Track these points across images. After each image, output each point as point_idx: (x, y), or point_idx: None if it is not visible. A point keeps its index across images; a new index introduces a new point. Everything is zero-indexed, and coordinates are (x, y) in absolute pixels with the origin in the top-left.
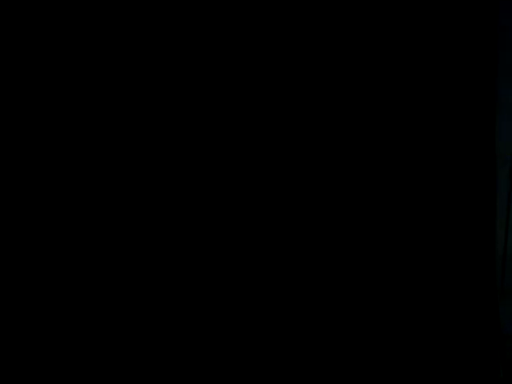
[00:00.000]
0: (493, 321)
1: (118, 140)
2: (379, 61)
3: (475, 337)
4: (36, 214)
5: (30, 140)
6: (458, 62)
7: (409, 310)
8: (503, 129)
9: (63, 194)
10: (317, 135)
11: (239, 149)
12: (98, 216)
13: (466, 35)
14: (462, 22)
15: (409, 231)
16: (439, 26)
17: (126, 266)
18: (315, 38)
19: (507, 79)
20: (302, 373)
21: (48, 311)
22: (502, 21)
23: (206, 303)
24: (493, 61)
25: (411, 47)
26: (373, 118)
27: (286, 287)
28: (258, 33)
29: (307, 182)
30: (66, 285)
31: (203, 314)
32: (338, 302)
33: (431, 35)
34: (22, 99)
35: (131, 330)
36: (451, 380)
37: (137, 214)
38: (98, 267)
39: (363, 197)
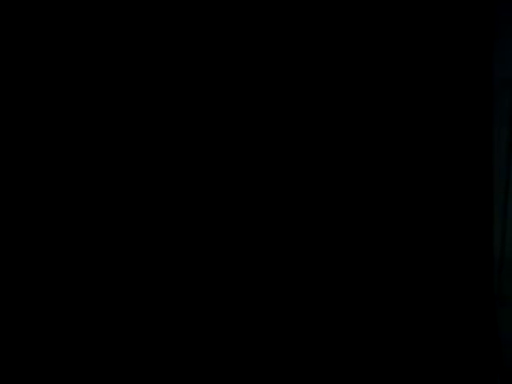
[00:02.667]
0: (490, 327)
1: (118, 140)
2: (376, 59)
3: (472, 343)
4: (36, 214)
5: (29, 140)
6: (455, 61)
7: (405, 314)
8: (500, 131)
9: (63, 193)
10: (315, 135)
11: (239, 149)
12: (98, 216)
13: (463, 36)
14: (458, 22)
15: (405, 234)
16: (436, 25)
17: (125, 265)
18: (314, 38)
19: (503, 80)
20: (302, 373)
21: (48, 311)
22: (499, 24)
23: (205, 303)
24: (488, 61)
25: (408, 46)
26: (370, 117)
27: (286, 287)
28: (257, 33)
29: (307, 182)
30: (65, 285)
31: (203, 315)
32: (335, 303)
33: (428, 34)
34: (21, 99)
35: (131, 330)
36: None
37: (137, 213)
38: (97, 267)
39: (361, 199)
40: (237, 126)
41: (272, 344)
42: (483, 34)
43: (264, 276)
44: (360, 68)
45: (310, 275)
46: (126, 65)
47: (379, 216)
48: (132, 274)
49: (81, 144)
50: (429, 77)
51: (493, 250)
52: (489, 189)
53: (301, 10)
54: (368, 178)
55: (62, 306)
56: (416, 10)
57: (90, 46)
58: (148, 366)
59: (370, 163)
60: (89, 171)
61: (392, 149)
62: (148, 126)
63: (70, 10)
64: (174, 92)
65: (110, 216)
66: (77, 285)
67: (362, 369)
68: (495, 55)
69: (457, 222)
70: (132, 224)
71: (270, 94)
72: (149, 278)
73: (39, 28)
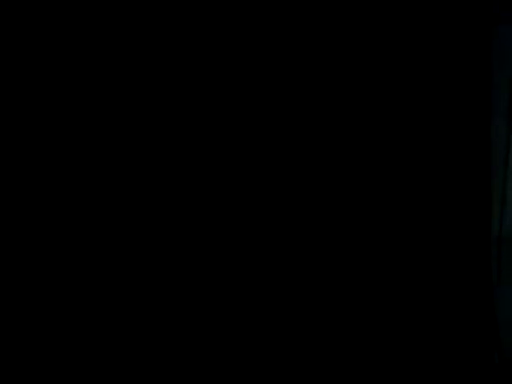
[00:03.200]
0: (488, 308)
1: (118, 140)
2: (376, 60)
3: (470, 324)
4: (36, 214)
5: (29, 140)
6: (453, 62)
7: (402, 297)
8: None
9: (63, 194)
10: (314, 135)
11: (239, 149)
12: (98, 216)
13: (462, 33)
14: (458, 19)
15: (403, 216)
16: (436, 21)
17: (125, 265)
18: (313, 38)
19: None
20: (302, 372)
21: (48, 311)
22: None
23: (205, 303)
24: (487, 61)
25: (407, 44)
26: (368, 114)
27: (286, 287)
28: (257, 33)
29: (306, 182)
30: (65, 284)
31: (203, 314)
32: (336, 296)
33: (426, 36)
34: (21, 99)
35: (131, 330)
36: (445, 365)
37: (137, 214)
38: (97, 267)
39: (359, 186)
40: (236, 127)
41: (271, 344)
42: (482, 31)
43: (263, 276)
44: (360, 64)
45: (311, 273)
46: (125, 65)
47: (378, 200)
48: (132, 273)
49: (80, 144)
50: (428, 73)
51: (491, 230)
52: (487, 167)
53: (300, 10)
54: (366, 167)
55: (62, 305)
56: (416, 7)
57: (90, 46)
58: (148, 366)
59: (369, 152)
60: (89, 171)
61: (392, 140)
62: (147, 127)
63: (70, 11)
64: (173, 93)
65: (110, 216)
66: (77, 284)
67: (360, 349)
68: (494, 54)
69: (455, 204)
70: (132, 224)
71: (270, 95)
72: (148, 278)
73: (39, 28)
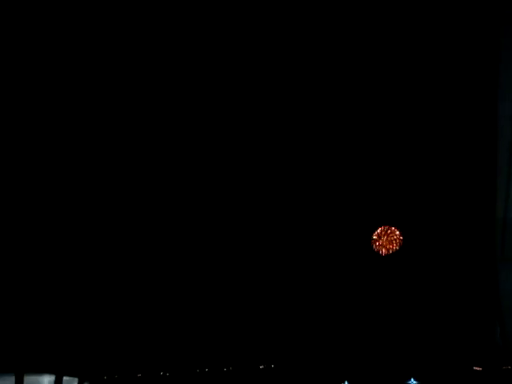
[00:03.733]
0: (491, 281)
1: (118, 140)
2: (384, 58)
3: (474, 296)
4: (36, 214)
5: (29, 140)
6: (460, 62)
7: (412, 270)
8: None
9: (63, 194)
10: (319, 135)
11: (239, 149)
12: (98, 216)
13: (468, 39)
14: (464, 35)
15: (414, 193)
16: (444, 32)
17: (125, 264)
18: (324, 38)
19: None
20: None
21: (48, 309)
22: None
23: (205, 301)
24: (495, 61)
25: (414, 47)
26: (381, 112)
27: (287, 286)
28: (258, 33)
29: (308, 182)
30: (66, 283)
31: (203, 313)
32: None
33: (434, 41)
34: (22, 99)
35: (132, 328)
36: (449, 341)
37: (136, 214)
38: (98, 266)
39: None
40: (236, 127)
41: (272, 342)
42: (490, 31)
43: (263, 274)
44: (366, 65)
45: (312, 269)
46: (126, 65)
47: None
48: (132, 272)
49: (81, 145)
50: (437, 73)
51: (496, 211)
52: (493, 155)
53: (303, 10)
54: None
55: (63, 304)
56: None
57: (90, 46)
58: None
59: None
60: (89, 172)
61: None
62: (147, 127)
63: (71, 11)
64: (173, 92)
65: (110, 216)
66: (77, 283)
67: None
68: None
69: (462, 184)
70: (131, 224)
71: (270, 94)
72: (148, 277)
73: (39, 28)
